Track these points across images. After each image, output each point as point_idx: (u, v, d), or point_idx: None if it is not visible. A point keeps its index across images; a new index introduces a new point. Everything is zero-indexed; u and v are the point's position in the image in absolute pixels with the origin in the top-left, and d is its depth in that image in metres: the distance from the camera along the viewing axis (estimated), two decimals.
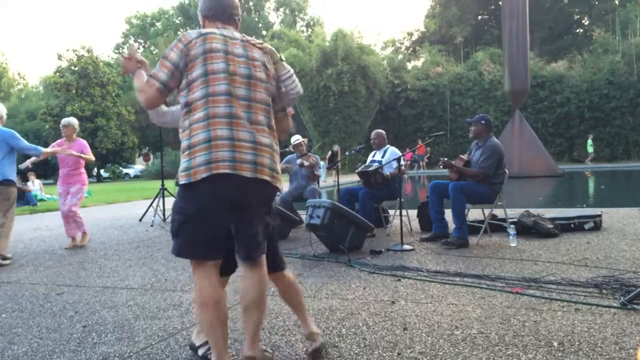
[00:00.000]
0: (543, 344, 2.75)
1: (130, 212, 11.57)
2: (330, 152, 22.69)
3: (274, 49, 2.70)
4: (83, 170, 7.06)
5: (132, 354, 2.89)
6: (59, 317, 3.68)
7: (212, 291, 2.33)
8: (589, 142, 28.54)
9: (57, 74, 39.51)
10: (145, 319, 3.51)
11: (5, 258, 5.97)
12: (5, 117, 6.24)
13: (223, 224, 2.37)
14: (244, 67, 2.47)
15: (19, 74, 76.21)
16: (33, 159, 6.65)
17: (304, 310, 2.78)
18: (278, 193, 2.44)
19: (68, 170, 6.90)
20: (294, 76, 2.71)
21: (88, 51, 39.93)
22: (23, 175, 16.05)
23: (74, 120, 7.05)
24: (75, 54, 39.39)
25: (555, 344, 2.74)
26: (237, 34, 2.57)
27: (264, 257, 2.47)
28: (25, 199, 14.59)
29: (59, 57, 39.81)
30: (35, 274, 5.26)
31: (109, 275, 5.02)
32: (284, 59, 2.73)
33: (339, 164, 8.85)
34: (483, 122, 5.92)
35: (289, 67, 2.70)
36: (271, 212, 2.57)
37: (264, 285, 2.44)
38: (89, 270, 5.31)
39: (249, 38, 2.61)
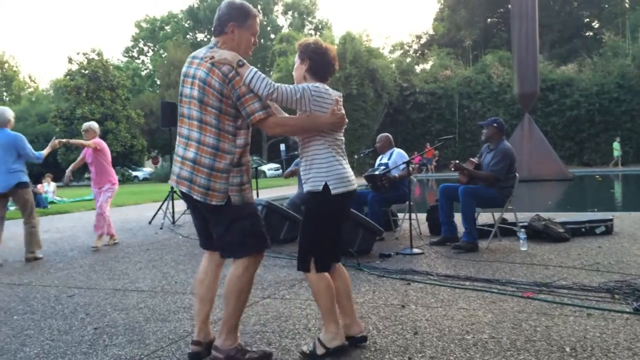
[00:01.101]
0: (555, 349, 2.73)
1: (139, 214, 11.63)
2: None
3: (219, 65, 2.61)
4: (109, 169, 7.17)
5: (143, 356, 2.90)
6: (70, 319, 3.70)
7: (199, 270, 2.92)
8: (615, 144, 28.09)
9: (68, 77, 39.80)
10: (156, 322, 3.52)
11: (36, 258, 6.28)
12: (13, 120, 6.34)
13: (198, 223, 2.90)
14: (188, 87, 2.72)
15: (29, 77, 76.90)
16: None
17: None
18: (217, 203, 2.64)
19: (95, 171, 7.10)
20: (256, 81, 2.58)
21: (98, 54, 40.20)
22: (36, 177, 16.17)
23: (94, 125, 7.21)
24: (86, 58, 39.67)
25: (568, 349, 2.72)
26: (204, 51, 2.72)
27: (242, 258, 2.70)
28: (35, 201, 14.67)
29: (70, 61, 40.14)
30: (47, 276, 5.29)
31: (119, 278, 5.04)
32: (239, 71, 2.60)
33: None
34: (495, 125, 5.90)
35: (248, 77, 2.59)
36: (233, 224, 2.67)
37: (228, 280, 2.71)
38: (99, 273, 5.34)
39: (211, 53, 2.65)
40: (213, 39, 2.80)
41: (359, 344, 2.87)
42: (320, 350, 2.73)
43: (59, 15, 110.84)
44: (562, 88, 30.96)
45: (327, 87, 2.80)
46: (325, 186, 2.71)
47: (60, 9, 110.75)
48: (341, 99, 2.84)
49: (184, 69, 2.76)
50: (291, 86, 2.68)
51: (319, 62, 2.81)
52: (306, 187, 2.80)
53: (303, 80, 2.85)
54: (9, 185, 6.10)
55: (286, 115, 2.87)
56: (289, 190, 15.38)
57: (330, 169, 2.73)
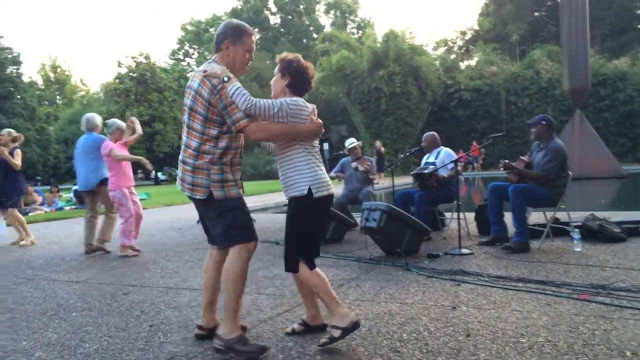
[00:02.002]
0: (615, 353, 2.64)
1: (188, 213, 11.86)
2: (375, 153, 22.49)
3: (210, 78, 2.88)
4: (114, 173, 6.59)
5: (197, 354, 2.97)
6: (126, 316, 3.81)
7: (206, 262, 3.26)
8: None
9: (117, 80, 41.04)
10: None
11: (104, 249, 6.82)
12: (100, 126, 6.90)
13: (202, 221, 3.26)
14: (186, 97, 2.99)
15: (81, 81, 79.72)
16: None
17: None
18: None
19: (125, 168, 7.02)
20: (237, 96, 2.82)
21: (146, 58, 41.29)
22: None
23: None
24: (134, 61, 40.79)
25: (628, 353, 2.63)
26: (203, 66, 2.99)
27: (230, 248, 2.96)
28: None
29: (119, 64, 41.54)
30: (102, 274, 5.47)
31: (171, 276, 5.16)
32: (225, 85, 2.85)
33: (393, 165, 8.77)
34: (544, 122, 5.75)
35: (230, 91, 2.83)
36: (219, 217, 2.97)
37: (223, 270, 3.00)
38: (152, 271, 5.48)
39: (205, 67, 2.96)
40: (213, 55, 3.11)
41: (318, 331, 3.14)
42: (337, 333, 2.89)
43: (108, 20, 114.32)
44: (615, 82, 29.83)
45: (304, 100, 3.02)
46: (309, 190, 2.92)
47: (109, 14, 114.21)
48: (316, 110, 3.08)
49: (188, 82, 3.03)
50: (269, 101, 2.88)
51: (299, 80, 3.05)
52: (289, 193, 3.00)
53: (282, 94, 3.07)
54: (92, 184, 6.77)
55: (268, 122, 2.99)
56: (334, 189, 15.38)
57: (312, 173, 2.96)
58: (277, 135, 2.97)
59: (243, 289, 2.98)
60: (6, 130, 8.25)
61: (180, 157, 3.04)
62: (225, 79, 2.86)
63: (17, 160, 7.95)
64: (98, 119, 7.00)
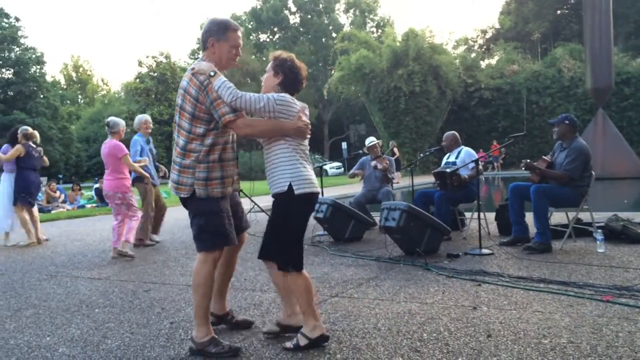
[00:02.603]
0: (639, 356, 2.60)
1: None
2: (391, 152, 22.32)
3: (198, 75, 2.91)
4: (123, 176, 6.54)
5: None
6: (148, 313, 3.85)
7: None
8: None
9: (138, 79, 41.42)
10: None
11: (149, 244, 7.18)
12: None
13: None
14: (178, 96, 3.02)
15: (102, 81, 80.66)
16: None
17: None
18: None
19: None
20: (222, 90, 2.83)
21: (166, 57, 41.59)
22: None
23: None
24: (155, 61, 41.13)
25: None
26: (192, 65, 3.02)
27: (200, 253, 3.03)
28: None
29: (140, 64, 41.76)
30: (123, 272, 5.53)
31: (191, 274, 5.16)
32: (211, 80, 2.88)
33: (412, 165, 8.72)
34: (567, 122, 5.67)
35: (216, 85, 2.85)
36: (194, 218, 3.02)
37: (193, 272, 3.07)
38: (172, 269, 5.53)
39: (195, 64, 2.99)
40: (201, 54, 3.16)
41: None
42: (303, 342, 2.91)
43: (129, 20, 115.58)
44: (639, 81, 29.31)
45: (293, 98, 3.01)
46: (290, 187, 2.87)
47: (130, 14, 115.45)
48: (307, 110, 3.07)
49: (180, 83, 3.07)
50: (256, 95, 2.88)
51: (292, 79, 3.04)
52: (272, 190, 2.97)
53: (273, 91, 3.02)
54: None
55: (256, 118, 3.02)
56: (353, 188, 15.36)
57: (294, 171, 2.91)
58: (264, 132, 2.96)
59: (211, 292, 3.03)
60: (23, 127, 8.27)
61: (173, 156, 3.08)
62: (212, 73, 2.88)
63: (9, 155, 7.86)
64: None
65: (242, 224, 3.35)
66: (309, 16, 49.69)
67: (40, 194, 13.02)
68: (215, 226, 2.95)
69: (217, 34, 3.01)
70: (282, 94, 2.95)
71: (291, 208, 2.93)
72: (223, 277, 3.29)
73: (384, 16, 52.16)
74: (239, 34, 3.07)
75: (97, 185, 16.92)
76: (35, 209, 8.23)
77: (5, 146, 8.09)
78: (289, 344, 2.95)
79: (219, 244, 2.99)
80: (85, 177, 46.74)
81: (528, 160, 5.76)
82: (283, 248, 2.95)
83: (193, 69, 2.95)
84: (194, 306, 2.99)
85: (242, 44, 3.13)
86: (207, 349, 2.90)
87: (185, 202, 3.03)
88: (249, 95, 2.84)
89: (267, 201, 3.21)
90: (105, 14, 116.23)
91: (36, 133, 8.33)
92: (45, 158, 8.35)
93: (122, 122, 6.67)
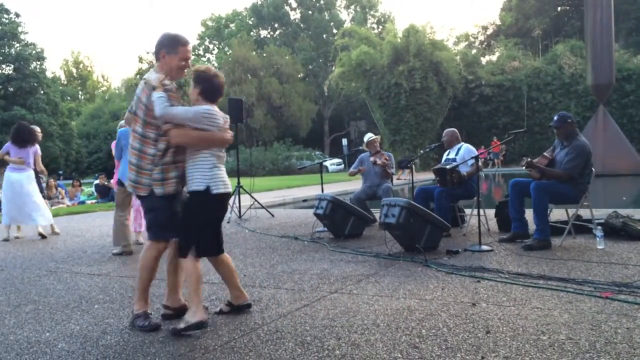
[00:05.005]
0: (638, 352, 2.60)
1: None
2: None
3: (146, 80, 3.33)
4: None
5: (216, 347, 2.99)
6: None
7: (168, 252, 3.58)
8: None
9: (138, 76, 41.44)
10: (227, 314, 3.61)
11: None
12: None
13: None
14: (132, 102, 3.40)
15: (102, 77, 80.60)
16: None
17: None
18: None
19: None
20: (155, 103, 3.20)
21: None
22: (109, 172, 16.93)
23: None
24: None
25: None
26: (146, 74, 3.41)
27: (149, 241, 3.49)
28: (110, 195, 15.39)
29: (140, 60, 41.89)
30: (123, 267, 5.54)
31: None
32: (155, 90, 3.23)
33: (412, 161, 8.71)
34: (569, 121, 5.64)
35: (154, 96, 3.21)
36: (146, 213, 3.47)
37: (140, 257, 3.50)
38: None
39: (148, 74, 3.39)
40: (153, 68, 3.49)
41: (245, 310, 3.62)
42: (182, 325, 3.21)
43: (129, 16, 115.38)
44: None
45: (217, 109, 3.40)
46: (207, 187, 3.29)
47: (130, 10, 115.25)
48: (228, 119, 3.48)
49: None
50: (184, 108, 3.29)
51: (209, 88, 3.41)
52: (190, 187, 3.36)
53: (196, 102, 3.41)
54: None
55: (189, 129, 3.32)
56: (353, 185, 15.36)
57: (212, 174, 3.34)
58: (196, 141, 3.31)
59: (152, 276, 3.45)
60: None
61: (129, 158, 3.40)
62: (154, 87, 3.23)
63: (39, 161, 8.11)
64: None
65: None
66: (310, 12, 49.60)
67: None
68: (162, 220, 3.35)
69: (167, 47, 3.36)
70: (207, 107, 3.34)
71: (207, 204, 3.34)
72: (174, 273, 3.59)
73: (384, 12, 52.09)
74: (189, 47, 3.42)
75: (97, 182, 16.95)
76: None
77: (7, 144, 8.04)
78: (173, 327, 3.26)
79: (164, 236, 3.40)
80: (85, 173, 46.75)
81: (529, 159, 5.74)
82: (191, 236, 3.33)
83: (145, 78, 3.31)
84: (136, 285, 3.47)
85: (191, 57, 3.51)
86: (136, 321, 3.35)
87: (141, 198, 3.42)
88: (178, 109, 3.24)
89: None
90: (106, 9, 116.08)
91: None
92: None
93: None
